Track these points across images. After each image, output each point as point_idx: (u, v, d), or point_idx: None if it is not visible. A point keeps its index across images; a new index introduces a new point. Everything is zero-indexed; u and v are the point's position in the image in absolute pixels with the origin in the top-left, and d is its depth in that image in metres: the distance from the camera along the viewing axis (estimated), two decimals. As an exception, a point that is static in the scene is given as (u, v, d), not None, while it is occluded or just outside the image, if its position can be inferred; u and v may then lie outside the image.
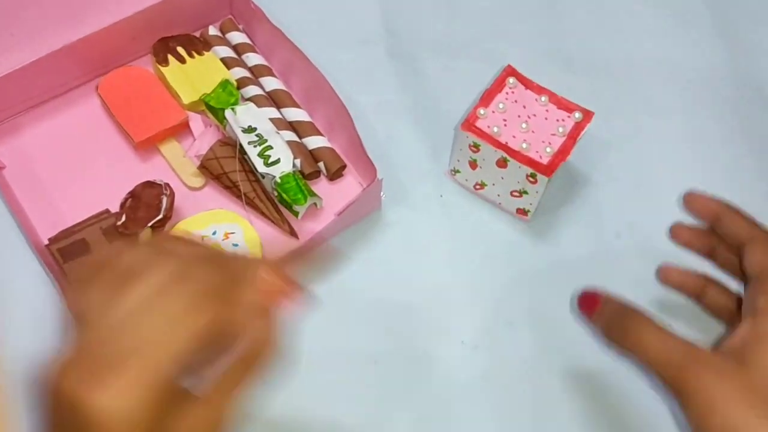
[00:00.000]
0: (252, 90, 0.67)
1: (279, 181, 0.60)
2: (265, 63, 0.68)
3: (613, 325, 0.46)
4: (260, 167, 0.61)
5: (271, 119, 0.65)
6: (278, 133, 0.63)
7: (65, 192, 0.63)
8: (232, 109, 0.63)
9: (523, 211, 0.64)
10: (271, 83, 0.67)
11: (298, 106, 0.67)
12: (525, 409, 0.57)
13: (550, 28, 0.74)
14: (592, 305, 0.47)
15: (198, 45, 0.67)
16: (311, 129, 0.65)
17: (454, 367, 0.58)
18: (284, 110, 0.66)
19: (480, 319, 0.60)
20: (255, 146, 0.61)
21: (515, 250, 0.63)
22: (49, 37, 0.63)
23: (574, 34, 0.74)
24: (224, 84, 0.64)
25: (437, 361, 0.58)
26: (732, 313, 0.51)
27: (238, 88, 0.67)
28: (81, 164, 0.64)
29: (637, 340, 0.44)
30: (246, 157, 0.62)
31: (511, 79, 0.61)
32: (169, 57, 0.66)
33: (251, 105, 0.63)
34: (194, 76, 0.65)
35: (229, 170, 0.62)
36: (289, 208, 0.61)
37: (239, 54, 0.69)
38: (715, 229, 0.50)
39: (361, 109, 0.67)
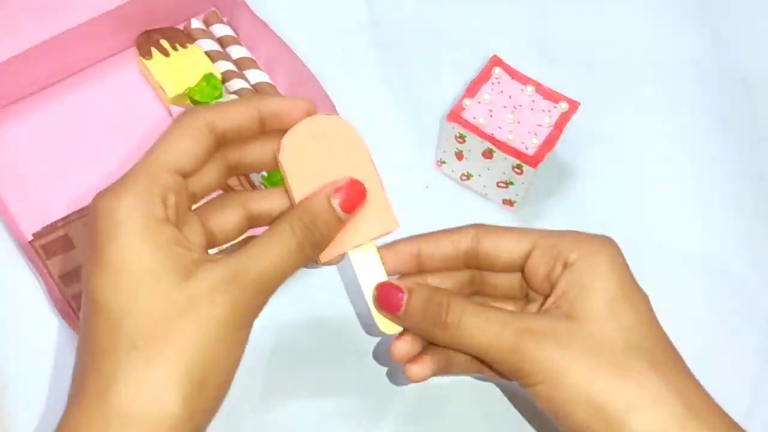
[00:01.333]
0: (237, 83, 0.66)
1: (266, 174, 0.60)
2: (249, 55, 0.68)
3: (433, 328, 0.42)
4: None
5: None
6: None
7: (50, 186, 0.63)
8: (217, 102, 0.62)
9: (509, 202, 0.64)
10: (256, 76, 0.67)
11: (282, 99, 0.66)
12: (516, 403, 0.57)
13: (535, 19, 0.73)
14: (394, 303, 0.43)
15: (182, 38, 0.66)
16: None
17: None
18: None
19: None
20: None
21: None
22: (30, 31, 0.62)
23: (559, 25, 0.73)
24: (208, 78, 0.64)
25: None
26: None
27: (223, 81, 0.67)
28: (66, 158, 0.64)
29: (466, 339, 0.41)
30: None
31: (497, 70, 0.61)
32: (153, 50, 0.65)
33: (235, 97, 0.63)
34: (178, 69, 0.65)
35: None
36: None
37: (223, 47, 0.69)
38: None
39: (346, 101, 0.67)
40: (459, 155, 0.62)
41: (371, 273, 0.45)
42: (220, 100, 0.62)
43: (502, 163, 0.59)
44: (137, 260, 0.36)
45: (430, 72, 0.70)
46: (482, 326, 0.41)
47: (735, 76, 0.71)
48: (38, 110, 0.66)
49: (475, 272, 0.47)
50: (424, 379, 0.44)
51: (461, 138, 0.60)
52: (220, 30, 0.69)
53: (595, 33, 0.73)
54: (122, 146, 0.64)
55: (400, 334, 0.45)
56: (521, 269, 0.45)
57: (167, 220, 0.37)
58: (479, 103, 0.60)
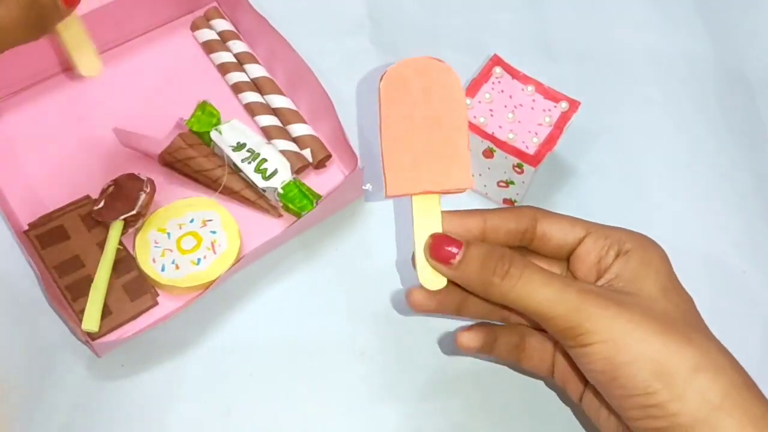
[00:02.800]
0: (236, 76, 0.66)
1: (282, 191, 0.60)
2: (249, 50, 0.68)
3: (491, 276, 0.41)
4: (260, 183, 0.60)
5: (253, 103, 0.65)
6: (269, 143, 0.62)
7: (47, 176, 0.62)
8: (217, 129, 0.62)
9: (510, 201, 0.63)
10: (255, 70, 0.67)
11: (282, 94, 0.66)
12: (513, 400, 0.57)
13: (536, 19, 0.74)
14: (450, 252, 0.43)
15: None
16: (295, 116, 0.65)
17: (441, 357, 0.57)
18: (268, 97, 0.66)
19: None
20: (249, 162, 0.61)
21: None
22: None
23: (560, 24, 0.73)
24: (203, 106, 0.63)
25: (424, 351, 0.58)
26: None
27: (223, 74, 0.66)
28: (65, 149, 0.63)
29: (526, 292, 0.41)
30: (242, 174, 0.61)
31: (498, 69, 0.61)
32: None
33: (235, 121, 0.63)
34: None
35: (191, 157, 0.61)
36: (297, 214, 0.61)
37: (224, 41, 0.69)
38: None
39: (345, 98, 0.67)
40: (458, 154, 0.62)
41: (428, 224, 0.45)
42: (219, 126, 0.62)
43: (503, 162, 0.59)
44: None
45: (429, 71, 0.70)
46: (546, 280, 0.41)
47: (736, 75, 0.72)
48: (36, 101, 0.65)
49: (524, 252, 0.47)
50: (474, 348, 0.45)
51: (461, 137, 0.60)
52: (221, 25, 0.69)
53: (595, 32, 0.73)
54: (118, 139, 0.63)
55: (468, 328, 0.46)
56: (568, 255, 0.45)
57: None
58: (480, 102, 0.60)
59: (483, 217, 0.46)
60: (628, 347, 0.39)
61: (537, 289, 0.41)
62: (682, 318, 0.41)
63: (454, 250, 0.43)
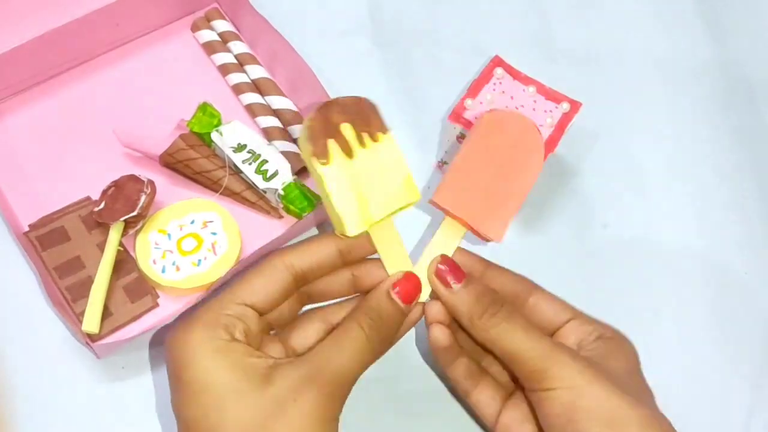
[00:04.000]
0: (237, 77, 0.66)
1: (283, 193, 0.60)
2: (250, 51, 0.68)
3: (481, 313, 0.45)
4: (261, 184, 0.60)
5: (254, 104, 0.65)
6: (270, 144, 0.62)
7: (50, 177, 0.62)
8: (218, 130, 0.62)
9: (510, 202, 0.63)
10: (256, 71, 0.67)
11: (283, 95, 0.66)
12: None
13: (537, 19, 0.74)
14: (457, 276, 0.46)
15: (371, 119, 0.48)
16: (296, 117, 0.65)
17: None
18: (269, 98, 0.66)
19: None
20: (250, 164, 0.61)
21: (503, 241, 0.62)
22: (30, 24, 0.62)
23: (561, 25, 0.73)
24: (203, 107, 0.63)
25: (422, 352, 0.58)
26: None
27: (223, 74, 0.66)
28: (65, 150, 0.63)
29: (507, 333, 0.44)
30: (243, 175, 0.61)
31: (499, 70, 0.61)
32: (332, 146, 0.46)
33: (236, 122, 0.63)
34: (364, 184, 0.46)
35: (192, 158, 0.61)
36: (298, 215, 0.60)
37: (224, 42, 0.68)
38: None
39: (347, 99, 0.67)
40: (460, 155, 0.62)
41: (445, 244, 0.48)
42: (220, 127, 0.62)
43: (504, 162, 0.59)
44: (215, 378, 0.39)
45: (430, 71, 0.70)
46: (527, 328, 0.44)
47: (737, 76, 0.71)
48: (37, 101, 0.65)
49: None
50: (442, 346, 0.47)
51: (463, 138, 0.60)
52: (222, 26, 0.69)
53: (596, 33, 0.73)
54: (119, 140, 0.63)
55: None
56: (551, 332, 0.47)
57: (235, 340, 0.40)
58: (481, 103, 0.60)
59: (487, 266, 0.49)
60: (589, 396, 0.41)
61: (517, 334, 0.43)
62: (638, 388, 0.44)
63: (453, 281, 0.46)
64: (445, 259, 0.46)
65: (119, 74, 0.67)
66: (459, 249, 0.49)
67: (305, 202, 0.60)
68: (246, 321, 0.42)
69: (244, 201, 0.61)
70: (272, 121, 0.64)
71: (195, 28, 0.69)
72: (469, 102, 0.60)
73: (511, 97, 0.60)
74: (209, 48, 0.68)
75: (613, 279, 0.61)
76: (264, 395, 0.39)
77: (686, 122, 0.69)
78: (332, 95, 0.61)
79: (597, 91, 0.68)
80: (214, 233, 0.59)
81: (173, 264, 0.58)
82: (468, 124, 0.59)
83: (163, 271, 0.57)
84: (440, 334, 0.46)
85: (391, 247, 0.47)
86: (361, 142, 0.46)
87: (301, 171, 0.63)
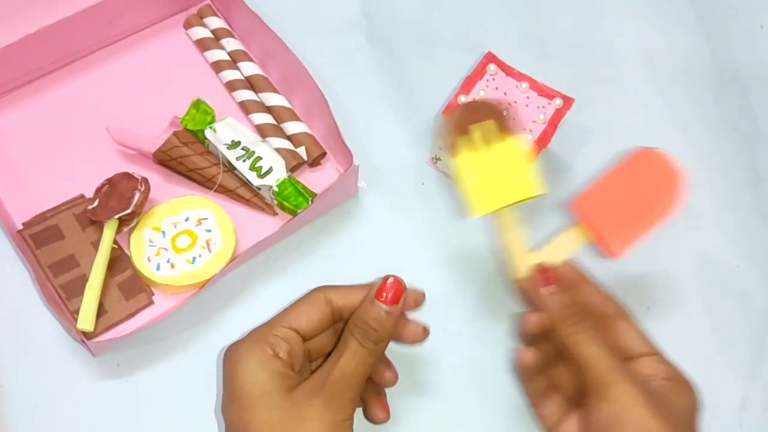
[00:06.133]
0: (230, 74, 0.66)
1: (277, 189, 0.60)
2: (243, 48, 0.68)
3: (567, 320, 0.50)
4: (255, 181, 0.60)
5: (247, 101, 0.65)
6: (264, 141, 0.62)
7: (42, 176, 0.62)
8: (211, 127, 0.62)
9: (504, 199, 0.63)
10: (249, 68, 0.67)
11: (277, 92, 0.66)
12: (508, 396, 0.57)
13: (529, 16, 0.74)
14: (547, 281, 0.51)
15: (501, 121, 0.52)
16: (290, 114, 0.65)
17: (436, 354, 0.58)
18: (263, 95, 0.66)
19: (463, 306, 0.60)
20: (244, 160, 0.60)
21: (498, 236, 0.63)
22: (23, 21, 0.62)
23: (553, 21, 0.73)
24: (197, 105, 0.63)
25: (419, 348, 0.58)
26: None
27: (217, 72, 0.66)
28: (59, 148, 0.63)
29: (584, 343, 0.49)
30: (237, 172, 0.61)
31: (492, 66, 0.61)
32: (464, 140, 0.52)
33: (230, 119, 0.63)
34: (493, 175, 0.53)
35: (186, 155, 0.61)
36: (293, 212, 0.61)
37: (217, 39, 0.68)
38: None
39: (340, 96, 0.67)
40: (454, 151, 0.62)
41: (563, 248, 0.53)
42: (214, 124, 0.62)
43: (497, 158, 0.59)
44: (254, 386, 0.46)
45: (424, 68, 0.70)
46: (602, 344, 0.49)
47: (729, 72, 0.72)
48: (30, 99, 0.65)
49: None
50: (527, 364, 0.52)
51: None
52: (215, 23, 0.69)
53: (589, 30, 0.73)
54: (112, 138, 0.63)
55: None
56: (628, 359, 0.52)
57: (277, 357, 0.47)
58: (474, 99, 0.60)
59: (585, 280, 0.54)
60: (632, 414, 0.47)
61: (592, 347, 0.49)
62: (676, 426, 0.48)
63: (545, 285, 0.52)
64: (543, 268, 0.52)
65: (112, 72, 0.67)
66: (566, 260, 0.54)
67: (300, 198, 0.60)
68: (290, 342, 0.48)
69: (238, 198, 0.61)
70: (266, 118, 0.64)
71: (188, 25, 0.69)
72: (462, 98, 0.60)
73: (504, 93, 0.61)
74: (202, 45, 0.68)
75: (606, 274, 0.61)
76: (286, 401, 0.46)
77: (678, 118, 0.69)
78: (326, 92, 0.61)
79: (590, 87, 0.69)
80: (208, 230, 0.59)
81: (168, 261, 0.58)
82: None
83: (158, 268, 0.57)
84: (527, 356, 0.52)
85: (512, 236, 0.53)
86: (489, 141, 0.52)
87: (295, 168, 0.63)
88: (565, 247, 0.54)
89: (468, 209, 0.53)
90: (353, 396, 0.47)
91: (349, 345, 0.48)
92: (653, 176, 0.53)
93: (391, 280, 0.50)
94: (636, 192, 0.54)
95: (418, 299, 0.52)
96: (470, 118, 0.52)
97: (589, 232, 0.54)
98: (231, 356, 0.48)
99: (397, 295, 0.49)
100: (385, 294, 0.49)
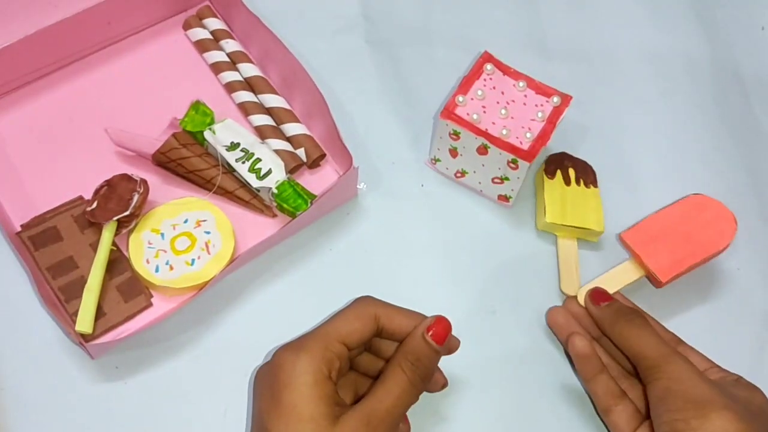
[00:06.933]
0: (229, 75, 0.66)
1: (276, 191, 0.60)
2: (242, 50, 0.68)
3: (620, 319, 0.54)
4: (254, 182, 0.60)
5: (246, 102, 0.65)
6: (263, 143, 0.62)
7: (42, 177, 0.62)
8: (210, 129, 0.62)
9: (504, 198, 0.63)
10: (248, 69, 0.67)
11: (276, 93, 0.66)
12: (507, 396, 0.57)
13: (527, 16, 0.74)
14: (601, 299, 0.57)
15: (590, 177, 0.63)
16: (289, 116, 0.65)
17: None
18: (262, 96, 0.66)
19: (462, 307, 0.60)
20: (243, 162, 0.60)
21: (497, 237, 0.63)
22: (22, 22, 0.62)
23: (551, 21, 0.73)
24: (196, 106, 0.63)
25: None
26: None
27: (216, 73, 0.66)
28: (57, 149, 0.63)
29: (637, 335, 0.53)
30: (236, 174, 0.61)
31: (489, 66, 0.61)
32: (558, 172, 0.63)
33: (229, 120, 0.63)
34: (570, 203, 0.62)
35: (185, 157, 0.61)
36: (292, 214, 0.60)
37: (217, 40, 0.68)
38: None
39: (339, 97, 0.67)
40: (453, 152, 0.62)
41: (616, 280, 0.59)
42: (213, 126, 0.62)
43: (497, 158, 0.59)
44: (305, 406, 0.45)
45: (422, 69, 0.70)
46: (652, 333, 0.53)
47: (730, 72, 0.72)
48: (29, 100, 0.65)
49: None
50: (583, 350, 0.55)
51: (455, 135, 0.60)
52: (214, 24, 0.69)
53: (588, 30, 0.73)
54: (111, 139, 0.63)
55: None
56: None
57: (330, 378, 0.47)
58: (472, 99, 0.60)
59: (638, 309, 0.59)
60: (682, 385, 0.50)
61: (645, 338, 0.53)
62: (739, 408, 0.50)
63: (601, 301, 0.57)
64: (596, 288, 0.58)
65: (111, 73, 0.67)
66: (620, 293, 0.59)
67: (299, 200, 0.60)
68: (341, 360, 0.48)
69: (237, 200, 0.61)
70: (265, 120, 0.64)
71: (187, 26, 0.69)
72: (460, 98, 0.59)
73: (502, 92, 0.60)
74: (201, 46, 0.68)
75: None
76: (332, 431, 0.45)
77: (678, 118, 0.69)
78: (325, 93, 0.61)
79: (589, 87, 0.69)
80: (207, 232, 0.59)
81: (167, 263, 0.58)
82: (460, 121, 0.59)
83: (157, 270, 0.57)
84: (580, 342, 0.55)
85: (569, 264, 0.61)
86: (578, 183, 0.62)
87: (294, 169, 0.63)
88: (615, 280, 0.59)
89: (539, 217, 0.62)
90: (396, 429, 0.48)
91: (398, 380, 0.47)
92: (703, 218, 0.60)
93: (441, 319, 0.49)
94: (684, 231, 0.59)
95: (454, 346, 0.52)
96: (568, 162, 0.63)
97: (637, 262, 0.60)
98: (288, 368, 0.47)
99: (444, 336, 0.49)
100: (432, 331, 0.49)
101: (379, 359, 0.53)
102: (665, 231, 0.60)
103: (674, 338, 0.57)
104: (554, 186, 0.62)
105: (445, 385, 0.53)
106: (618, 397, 0.54)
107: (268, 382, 0.47)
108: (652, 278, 0.60)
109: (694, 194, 0.61)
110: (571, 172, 0.62)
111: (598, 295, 0.57)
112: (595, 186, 0.63)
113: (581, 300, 0.59)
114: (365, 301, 0.50)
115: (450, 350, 0.52)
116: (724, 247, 0.59)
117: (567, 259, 0.61)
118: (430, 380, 0.50)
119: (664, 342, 0.52)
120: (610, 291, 0.58)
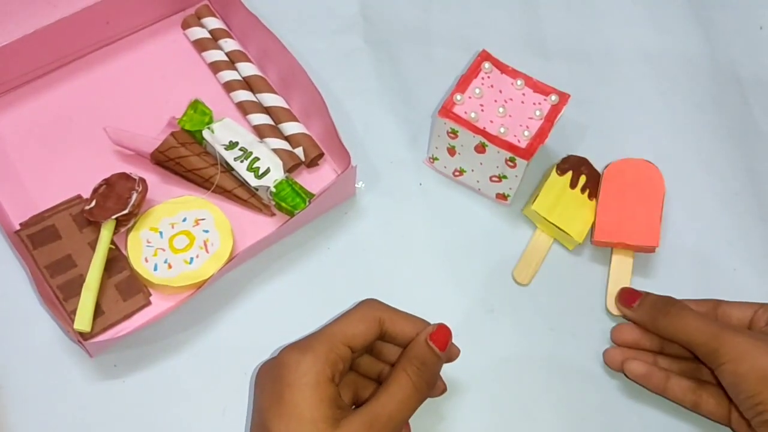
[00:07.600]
0: (228, 74, 0.66)
1: (274, 190, 0.60)
2: (241, 49, 0.68)
3: (657, 314, 0.55)
4: (252, 181, 0.60)
5: (245, 101, 0.65)
6: (261, 142, 0.62)
7: (40, 176, 0.62)
8: (209, 128, 0.62)
9: (502, 196, 0.63)
10: (247, 69, 0.67)
11: (274, 92, 0.66)
12: (506, 394, 0.57)
13: (526, 15, 0.74)
14: (631, 300, 0.57)
15: (595, 187, 0.62)
16: (288, 115, 0.65)
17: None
18: (260, 95, 0.66)
19: (461, 305, 0.60)
20: (242, 161, 0.61)
21: (495, 235, 0.63)
22: (20, 22, 0.62)
23: (549, 20, 0.73)
24: (195, 105, 0.63)
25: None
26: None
27: (214, 72, 0.66)
28: (56, 148, 0.63)
29: (681, 325, 0.53)
30: (234, 173, 0.61)
31: (487, 64, 0.61)
32: (570, 173, 0.62)
33: (227, 120, 0.63)
34: (563, 203, 0.61)
35: (183, 156, 0.61)
36: (290, 213, 0.60)
37: (215, 40, 0.68)
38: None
39: (337, 96, 0.67)
40: (451, 151, 0.62)
41: (621, 274, 0.61)
42: (212, 125, 0.62)
43: (495, 156, 0.59)
44: (307, 408, 0.45)
45: (421, 68, 0.70)
46: (695, 317, 0.53)
47: (728, 73, 0.71)
48: (27, 99, 0.65)
49: None
50: (640, 371, 0.56)
51: (453, 133, 0.60)
52: (212, 23, 0.69)
53: (586, 30, 0.73)
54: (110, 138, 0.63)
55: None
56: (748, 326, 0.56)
57: (332, 380, 0.47)
58: (470, 97, 0.60)
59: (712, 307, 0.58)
60: (746, 361, 0.49)
61: (688, 324, 0.52)
62: None
63: (637, 295, 0.57)
64: (622, 289, 0.59)
65: (110, 72, 0.67)
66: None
67: (297, 199, 0.60)
68: (344, 363, 0.48)
69: (236, 198, 0.61)
70: (264, 119, 0.64)
71: (185, 25, 0.69)
72: (458, 97, 0.59)
73: (500, 91, 0.60)
74: (200, 45, 0.68)
75: (603, 275, 0.61)
76: None
77: (676, 118, 0.69)
78: (323, 92, 0.61)
79: (586, 85, 0.69)
80: (206, 231, 0.59)
81: (165, 262, 0.58)
82: (458, 119, 0.59)
83: (155, 269, 0.57)
84: (633, 366, 0.56)
85: (534, 255, 0.61)
86: (582, 191, 0.62)
87: (292, 168, 0.63)
88: (621, 274, 0.60)
89: (528, 202, 0.63)
90: None
91: (403, 385, 0.47)
92: (629, 180, 0.61)
93: (443, 326, 0.49)
94: (626, 198, 0.61)
95: (454, 354, 0.52)
96: (584, 169, 0.63)
97: (624, 248, 0.61)
98: (291, 363, 0.47)
99: (446, 342, 0.49)
100: (434, 338, 0.49)
101: (380, 362, 0.53)
102: (618, 210, 0.61)
103: (712, 303, 0.57)
104: (557, 182, 0.62)
105: (444, 390, 0.53)
106: (698, 390, 0.55)
107: (271, 380, 0.47)
108: (645, 251, 0.61)
109: (605, 168, 0.62)
110: (582, 179, 0.62)
111: (627, 296, 0.57)
112: (597, 197, 0.63)
113: (612, 308, 0.59)
114: (370, 304, 0.50)
115: (450, 358, 0.52)
116: (663, 186, 0.61)
117: (534, 250, 0.62)
118: (433, 386, 0.49)
119: (707, 320, 0.52)
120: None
